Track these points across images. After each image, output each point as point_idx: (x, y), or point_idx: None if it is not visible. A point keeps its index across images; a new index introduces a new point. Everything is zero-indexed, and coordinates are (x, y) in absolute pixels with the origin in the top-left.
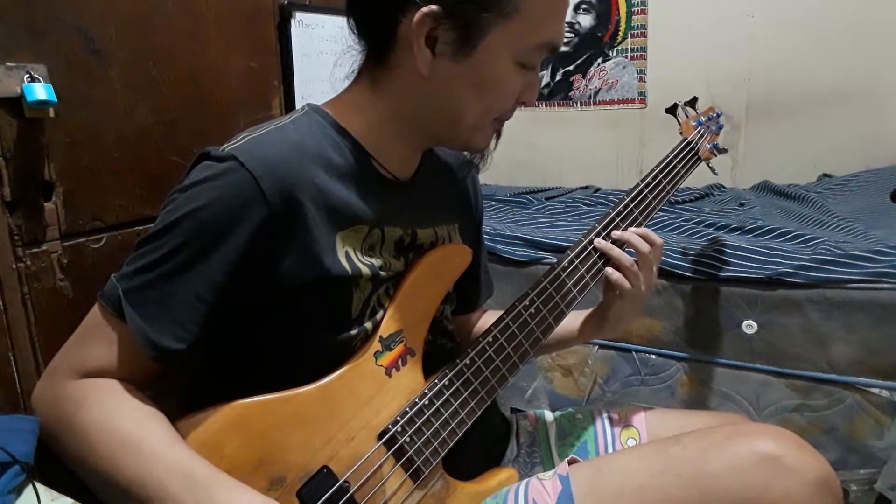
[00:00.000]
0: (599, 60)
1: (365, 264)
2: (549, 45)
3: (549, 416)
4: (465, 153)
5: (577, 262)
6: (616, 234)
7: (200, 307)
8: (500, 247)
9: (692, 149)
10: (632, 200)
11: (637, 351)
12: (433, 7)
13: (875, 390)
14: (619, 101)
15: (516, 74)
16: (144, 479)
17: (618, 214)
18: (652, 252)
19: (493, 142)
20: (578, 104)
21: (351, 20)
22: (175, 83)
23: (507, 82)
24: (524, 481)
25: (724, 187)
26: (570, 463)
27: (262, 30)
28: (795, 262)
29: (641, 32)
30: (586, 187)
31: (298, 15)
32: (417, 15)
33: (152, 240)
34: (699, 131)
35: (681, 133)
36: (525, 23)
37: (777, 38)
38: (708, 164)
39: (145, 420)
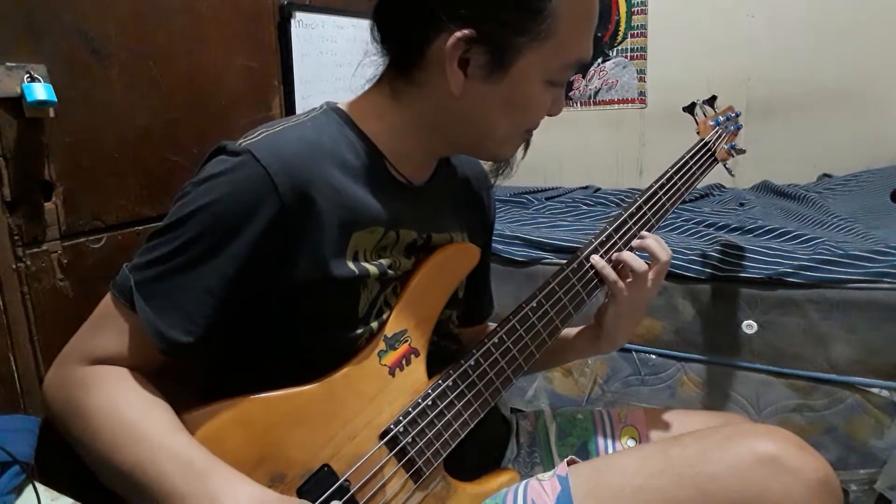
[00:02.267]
0: (599, 60)
1: (373, 265)
2: (580, 62)
3: (549, 416)
4: (486, 163)
5: (587, 265)
6: (636, 242)
7: (210, 301)
8: (500, 247)
9: (709, 149)
10: (645, 202)
11: (637, 351)
12: (467, 31)
13: (875, 390)
14: (619, 101)
15: (547, 92)
16: (145, 465)
17: (630, 216)
18: (667, 262)
19: (521, 151)
20: (578, 104)
21: (376, 31)
22: (175, 83)
23: (538, 101)
24: (523, 482)
25: (724, 187)
26: (569, 464)
27: (262, 30)
28: (795, 262)
29: (641, 32)
30: (586, 187)
31: (298, 15)
32: (451, 39)
33: (165, 232)
34: (717, 131)
35: (698, 133)
36: (558, 45)
37: (777, 38)
38: (724, 165)
39: (149, 408)
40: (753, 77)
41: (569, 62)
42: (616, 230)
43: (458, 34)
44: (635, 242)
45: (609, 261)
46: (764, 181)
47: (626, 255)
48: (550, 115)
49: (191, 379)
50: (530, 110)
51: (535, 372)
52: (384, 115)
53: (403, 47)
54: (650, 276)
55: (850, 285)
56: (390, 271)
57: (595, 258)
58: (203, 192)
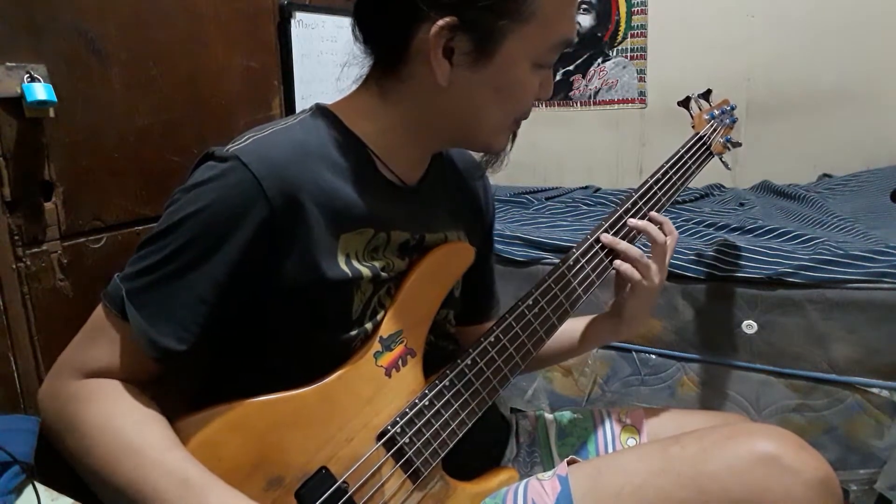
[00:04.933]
0: (599, 60)
1: (366, 266)
2: (564, 42)
3: (549, 416)
4: (477, 156)
5: (582, 261)
6: (632, 222)
7: (202, 308)
8: (500, 247)
9: (704, 143)
10: (640, 197)
11: (637, 351)
12: (449, 19)
13: (875, 390)
14: (619, 101)
15: (534, 75)
16: (140, 481)
17: (626, 212)
18: (668, 241)
19: (509, 142)
20: (578, 104)
21: (358, 31)
22: (175, 83)
23: (526, 85)
24: (523, 481)
25: (724, 187)
26: (569, 463)
27: (262, 30)
28: (795, 262)
29: (641, 32)
30: (586, 187)
31: (298, 15)
32: (434, 28)
33: (155, 240)
34: (712, 125)
35: (693, 127)
36: (540, 25)
37: (777, 38)
38: (721, 159)
39: (144, 422)
40: (753, 77)
41: (554, 42)
42: (612, 226)
43: (441, 22)
44: (630, 222)
45: (612, 251)
46: (764, 181)
47: (623, 245)
48: (540, 99)
49: (185, 385)
50: (519, 95)
51: (546, 366)
52: (373, 114)
53: (387, 43)
54: (654, 263)
55: (850, 285)
56: (383, 273)
57: (605, 236)
58: (191, 199)
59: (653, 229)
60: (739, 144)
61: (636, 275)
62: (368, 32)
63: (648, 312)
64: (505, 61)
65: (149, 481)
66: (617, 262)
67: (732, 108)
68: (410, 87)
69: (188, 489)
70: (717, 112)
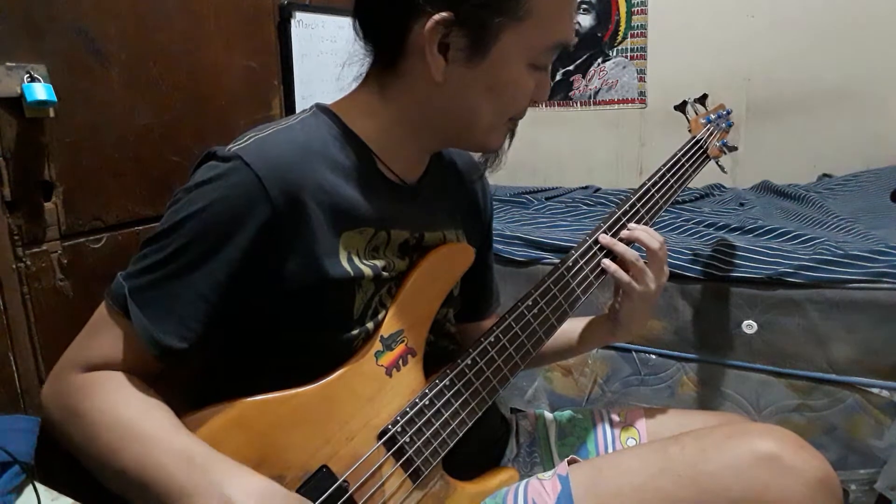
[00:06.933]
0: (599, 60)
1: (367, 266)
2: (560, 44)
3: (549, 416)
4: (476, 155)
5: (581, 261)
6: (624, 233)
7: (204, 307)
8: (500, 247)
9: (701, 147)
10: (638, 199)
11: (637, 351)
12: (444, 14)
13: (875, 390)
14: (619, 101)
15: (529, 76)
16: (145, 463)
17: (624, 213)
18: (661, 249)
19: (506, 142)
20: (578, 104)
21: (358, 25)
22: (175, 83)
23: (520, 84)
24: (523, 481)
25: (724, 187)
26: (569, 463)
27: (262, 30)
28: (795, 262)
29: (641, 32)
30: (586, 187)
31: (298, 15)
32: (429, 23)
33: (158, 239)
34: (708, 129)
35: (689, 131)
36: (537, 25)
37: (777, 38)
38: (717, 163)
39: (148, 408)
40: (753, 77)
41: (550, 44)
42: (609, 228)
43: (437, 17)
44: (623, 234)
45: (612, 254)
46: (764, 181)
47: (621, 248)
48: (535, 101)
49: (186, 383)
50: (513, 94)
51: (545, 364)
52: (372, 112)
53: (385, 38)
54: (651, 270)
55: (850, 285)
56: (384, 273)
57: (603, 237)
58: (194, 198)
59: (644, 236)
60: (735, 149)
61: (625, 277)
62: (368, 27)
63: (645, 317)
64: (500, 59)
65: (155, 462)
66: (605, 261)
67: (728, 113)
68: (408, 82)
69: (194, 466)
70: (713, 116)
